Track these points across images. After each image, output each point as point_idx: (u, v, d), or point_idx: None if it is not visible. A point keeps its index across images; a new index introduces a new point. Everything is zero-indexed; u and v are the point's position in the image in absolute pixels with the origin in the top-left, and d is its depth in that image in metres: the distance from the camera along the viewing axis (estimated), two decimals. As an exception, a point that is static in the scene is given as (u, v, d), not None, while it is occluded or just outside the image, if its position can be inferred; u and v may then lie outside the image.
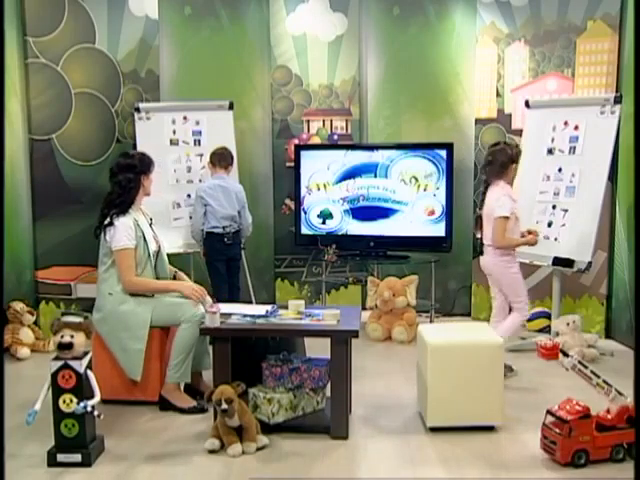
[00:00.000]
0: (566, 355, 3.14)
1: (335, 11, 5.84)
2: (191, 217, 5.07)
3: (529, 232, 4.28)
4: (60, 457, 3.05)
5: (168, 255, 4.04)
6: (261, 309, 3.65)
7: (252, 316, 3.53)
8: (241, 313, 3.58)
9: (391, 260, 5.60)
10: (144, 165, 3.87)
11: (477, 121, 5.75)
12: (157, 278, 3.88)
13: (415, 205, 5.52)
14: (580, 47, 5.17)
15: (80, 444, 3.05)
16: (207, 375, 3.86)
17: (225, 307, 3.58)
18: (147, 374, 3.74)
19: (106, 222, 3.73)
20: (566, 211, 4.80)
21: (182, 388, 3.80)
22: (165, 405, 3.72)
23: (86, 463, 3.05)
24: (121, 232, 3.68)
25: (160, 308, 3.71)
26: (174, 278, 4.02)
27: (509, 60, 5.54)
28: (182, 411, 3.68)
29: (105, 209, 3.79)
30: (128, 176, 3.80)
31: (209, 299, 3.84)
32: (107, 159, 5.31)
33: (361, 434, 3.43)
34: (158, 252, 3.92)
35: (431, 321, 5.51)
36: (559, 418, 3.04)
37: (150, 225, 3.94)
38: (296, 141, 5.89)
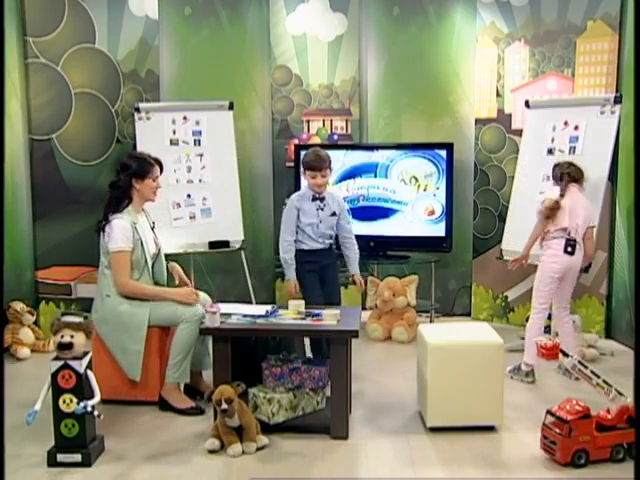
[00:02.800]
0: (566, 355, 3.14)
1: (335, 11, 5.83)
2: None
3: None
4: (60, 457, 3.05)
5: (168, 255, 4.04)
6: (261, 309, 3.65)
7: (252, 316, 3.53)
8: (241, 313, 3.58)
9: (391, 260, 5.60)
10: (140, 168, 3.79)
11: (477, 121, 5.75)
12: (156, 281, 3.88)
13: (415, 205, 5.52)
14: (580, 47, 5.17)
15: (80, 444, 3.05)
16: (207, 375, 3.86)
17: (225, 307, 3.58)
18: (147, 374, 3.74)
19: (103, 221, 3.73)
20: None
21: (182, 388, 3.80)
22: (165, 405, 3.72)
23: (86, 463, 3.06)
24: (117, 234, 3.66)
25: (159, 308, 3.70)
26: (167, 271, 4.00)
27: (509, 60, 5.54)
28: (180, 412, 3.67)
29: (105, 208, 3.79)
30: (121, 177, 3.79)
31: (208, 298, 3.84)
32: (107, 159, 5.32)
33: (361, 434, 3.43)
34: (158, 255, 3.91)
35: (431, 321, 5.51)
36: (559, 418, 3.04)
37: (152, 228, 3.93)
38: (296, 141, 5.89)
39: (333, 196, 4.30)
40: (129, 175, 3.78)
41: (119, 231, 3.66)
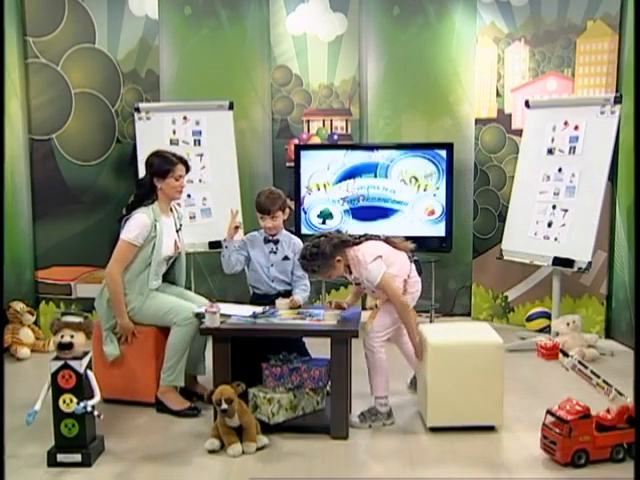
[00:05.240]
0: (566, 355, 3.14)
1: (335, 11, 5.83)
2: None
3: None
4: (60, 457, 3.06)
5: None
6: (249, 310, 3.63)
7: (241, 317, 3.52)
8: (227, 313, 3.54)
9: (391, 260, 5.59)
10: (160, 167, 3.77)
11: (477, 121, 5.75)
12: (173, 282, 3.94)
13: (415, 205, 5.51)
14: (580, 47, 5.17)
15: (80, 444, 3.06)
16: (202, 380, 3.89)
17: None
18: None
19: (125, 215, 3.75)
20: (566, 211, 4.80)
21: (178, 389, 3.77)
22: (161, 407, 3.70)
23: (86, 463, 3.06)
24: (134, 227, 3.66)
25: (151, 306, 3.70)
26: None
27: (509, 60, 5.54)
28: (176, 413, 3.66)
29: (127, 205, 3.81)
30: (144, 175, 3.83)
31: (205, 301, 3.81)
32: (107, 159, 5.32)
33: (361, 434, 3.43)
34: (177, 259, 3.93)
35: (431, 321, 5.51)
36: (559, 418, 3.04)
37: (178, 231, 3.91)
38: (296, 141, 5.89)
39: (290, 240, 4.00)
40: (151, 174, 3.78)
41: (138, 224, 3.66)
